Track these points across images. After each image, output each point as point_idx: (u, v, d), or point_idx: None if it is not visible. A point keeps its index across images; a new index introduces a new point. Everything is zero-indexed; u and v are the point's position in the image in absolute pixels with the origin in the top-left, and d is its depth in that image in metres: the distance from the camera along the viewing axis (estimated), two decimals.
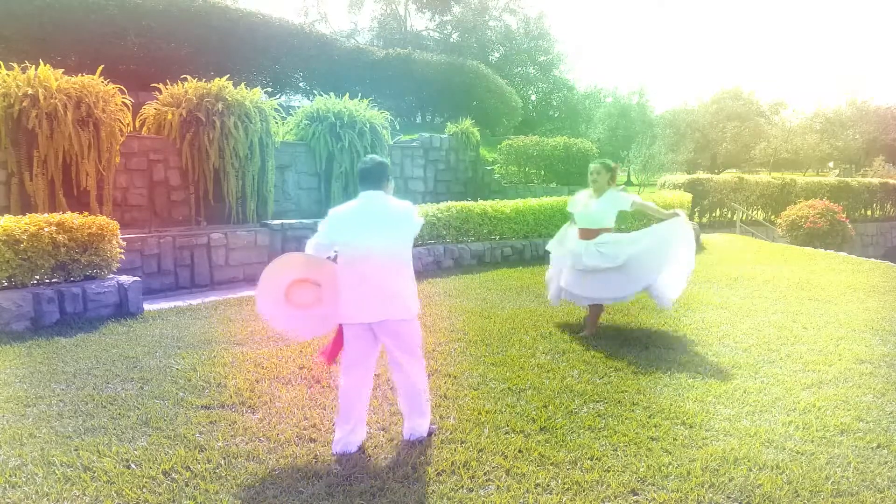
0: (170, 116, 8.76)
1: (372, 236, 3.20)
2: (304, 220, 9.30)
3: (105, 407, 3.75)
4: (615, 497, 2.87)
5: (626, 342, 5.31)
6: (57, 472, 2.97)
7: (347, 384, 3.29)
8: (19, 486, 2.85)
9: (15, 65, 7.51)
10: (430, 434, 3.43)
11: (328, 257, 3.47)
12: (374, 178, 3.32)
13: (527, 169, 15.49)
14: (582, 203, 5.45)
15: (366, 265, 3.19)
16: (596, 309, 5.56)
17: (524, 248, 10.07)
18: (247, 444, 3.31)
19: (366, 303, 3.19)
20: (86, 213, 6.18)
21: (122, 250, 6.38)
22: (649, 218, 11.12)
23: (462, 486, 2.92)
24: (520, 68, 38.04)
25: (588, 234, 5.39)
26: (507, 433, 3.48)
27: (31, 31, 12.24)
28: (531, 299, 6.95)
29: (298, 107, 12.77)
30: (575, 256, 5.42)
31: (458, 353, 4.92)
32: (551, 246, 6.01)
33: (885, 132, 41.11)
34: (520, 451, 3.28)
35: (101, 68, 8.19)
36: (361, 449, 3.27)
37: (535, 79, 39.30)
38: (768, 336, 5.58)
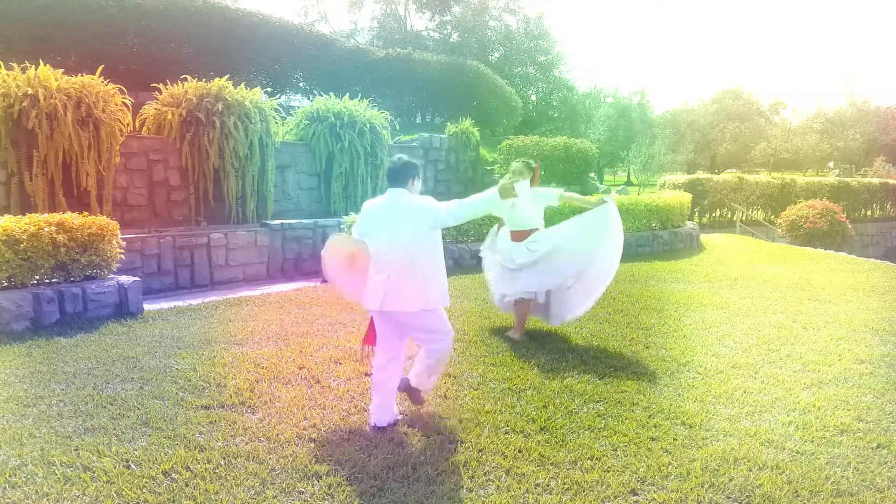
0: (170, 116, 8.76)
1: (386, 231, 3.47)
2: (304, 220, 9.30)
3: (105, 407, 3.75)
4: (615, 497, 2.87)
5: (625, 342, 5.31)
6: (57, 472, 2.97)
7: (376, 361, 3.64)
8: (19, 486, 2.84)
9: (15, 65, 7.51)
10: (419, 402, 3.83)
11: None
12: (399, 176, 3.54)
13: None
14: (509, 204, 5.23)
15: (380, 257, 3.44)
16: (522, 310, 5.36)
17: None
18: (247, 444, 3.31)
19: (378, 292, 3.43)
20: (86, 213, 6.18)
21: (122, 250, 6.38)
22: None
23: (462, 486, 2.92)
24: (520, 68, 37.99)
25: (520, 235, 5.30)
26: (507, 433, 3.49)
27: (31, 31, 12.22)
28: None
29: (298, 107, 12.76)
30: (505, 256, 5.38)
31: (458, 353, 4.92)
32: (483, 252, 5.93)
33: (885, 132, 41.09)
34: (520, 451, 3.28)
35: (101, 68, 8.19)
36: (396, 424, 3.59)
37: (535, 79, 39.25)
38: (768, 336, 5.58)
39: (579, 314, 5.30)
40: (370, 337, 3.74)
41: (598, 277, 5.15)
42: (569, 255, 5.13)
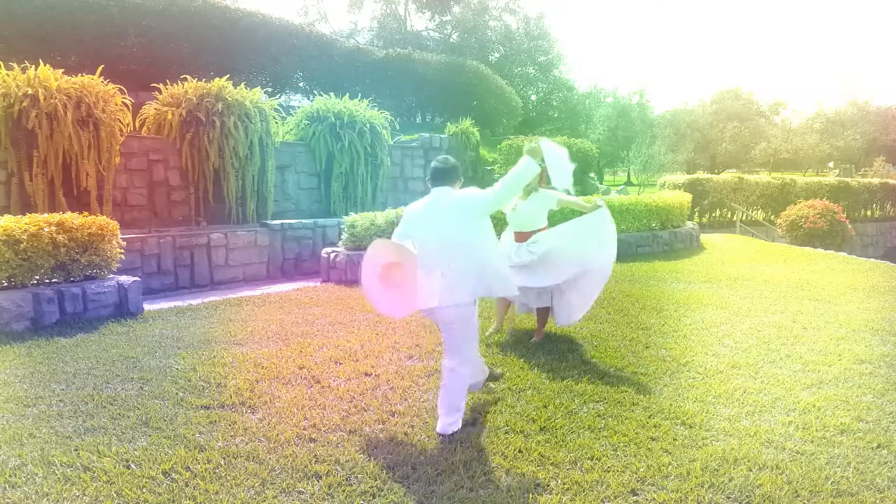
0: (170, 116, 8.76)
1: (435, 226, 3.48)
2: (304, 220, 9.31)
3: (105, 407, 3.75)
4: (615, 497, 2.87)
5: (625, 342, 5.31)
6: (57, 472, 2.97)
7: (443, 363, 3.60)
8: (19, 486, 2.84)
9: (15, 65, 7.51)
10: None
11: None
12: (447, 176, 3.58)
13: None
14: (511, 206, 5.28)
15: (431, 256, 3.44)
16: (543, 314, 5.44)
17: None
18: (247, 444, 3.31)
19: (433, 290, 3.41)
20: (86, 213, 6.18)
21: (122, 250, 6.38)
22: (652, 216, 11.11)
23: (462, 486, 2.92)
24: (520, 68, 38.05)
25: (522, 236, 5.28)
26: (507, 433, 3.48)
27: (31, 31, 12.24)
28: None
29: (298, 107, 12.78)
30: (507, 256, 5.38)
31: None
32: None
33: (886, 132, 41.15)
34: (520, 451, 3.28)
35: (101, 68, 8.19)
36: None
37: (535, 79, 39.32)
38: (768, 336, 5.58)
39: (580, 317, 5.28)
40: None
41: (594, 279, 5.16)
42: (567, 256, 5.13)
